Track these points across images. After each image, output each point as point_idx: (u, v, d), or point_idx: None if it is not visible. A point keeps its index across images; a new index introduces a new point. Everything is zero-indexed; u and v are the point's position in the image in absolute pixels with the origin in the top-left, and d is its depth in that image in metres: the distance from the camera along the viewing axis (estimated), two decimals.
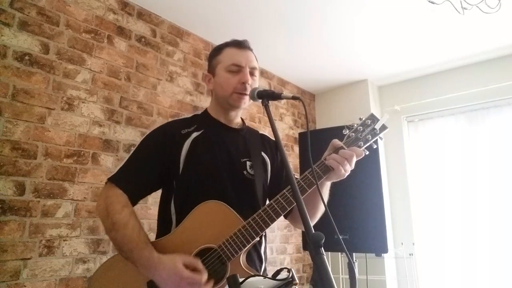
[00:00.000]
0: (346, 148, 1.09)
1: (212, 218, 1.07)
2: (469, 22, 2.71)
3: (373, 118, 1.14)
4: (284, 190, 1.07)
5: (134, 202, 1.13)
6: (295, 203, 0.82)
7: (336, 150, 1.10)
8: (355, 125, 1.15)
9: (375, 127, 1.13)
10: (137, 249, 1.01)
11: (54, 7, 2.03)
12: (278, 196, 1.06)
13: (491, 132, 3.27)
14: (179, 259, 0.99)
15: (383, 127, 1.13)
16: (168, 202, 1.18)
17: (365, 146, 1.12)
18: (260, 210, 1.05)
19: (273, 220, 1.04)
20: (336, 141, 1.12)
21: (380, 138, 1.14)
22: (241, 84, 1.18)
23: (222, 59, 1.23)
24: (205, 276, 0.99)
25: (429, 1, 2.09)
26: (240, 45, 1.23)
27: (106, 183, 1.15)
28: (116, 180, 1.13)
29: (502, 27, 2.82)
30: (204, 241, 1.05)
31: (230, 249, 1.02)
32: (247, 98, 1.20)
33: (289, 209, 1.05)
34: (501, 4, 2.12)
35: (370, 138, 1.12)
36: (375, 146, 1.15)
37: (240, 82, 1.18)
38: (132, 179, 1.14)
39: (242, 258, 1.05)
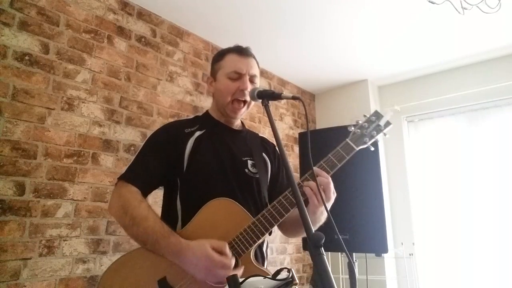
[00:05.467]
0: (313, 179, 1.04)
1: (222, 215, 1.08)
2: (469, 22, 2.71)
3: (378, 115, 1.19)
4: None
5: (144, 197, 1.15)
6: (295, 202, 0.82)
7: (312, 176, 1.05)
8: (360, 122, 1.18)
9: (380, 123, 1.17)
10: (163, 238, 1.02)
11: (54, 7, 2.03)
12: (286, 192, 1.07)
13: (491, 132, 3.27)
14: (208, 243, 0.99)
15: (387, 123, 1.18)
16: (173, 199, 1.19)
17: (370, 142, 1.16)
18: (269, 206, 1.06)
19: (282, 216, 1.05)
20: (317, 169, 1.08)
21: (384, 134, 1.18)
22: (240, 91, 1.21)
23: (224, 65, 1.26)
24: (233, 260, 1.00)
25: (429, 1, 2.09)
26: (242, 52, 1.26)
27: (116, 183, 1.16)
28: (126, 177, 1.15)
29: (502, 27, 2.82)
30: (215, 238, 1.05)
31: (241, 245, 1.03)
32: (243, 110, 1.25)
33: None
34: (501, 4, 2.11)
35: (375, 134, 1.16)
36: (378, 142, 1.19)
37: (239, 89, 1.22)
38: (142, 175, 1.16)
39: (252, 254, 1.06)
